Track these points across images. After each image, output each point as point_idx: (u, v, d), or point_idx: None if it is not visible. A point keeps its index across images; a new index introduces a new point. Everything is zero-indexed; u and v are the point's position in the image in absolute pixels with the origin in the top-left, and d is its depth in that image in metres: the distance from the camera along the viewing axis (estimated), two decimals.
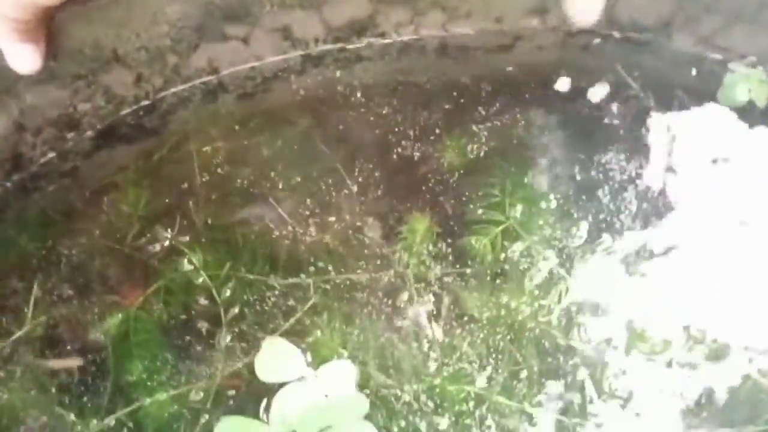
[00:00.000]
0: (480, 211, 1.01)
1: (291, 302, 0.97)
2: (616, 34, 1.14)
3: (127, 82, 1.08)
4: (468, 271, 0.97)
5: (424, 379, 0.92)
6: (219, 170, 1.09)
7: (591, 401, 0.88)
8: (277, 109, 1.15)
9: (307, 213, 1.04)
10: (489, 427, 0.88)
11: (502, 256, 0.98)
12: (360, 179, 1.06)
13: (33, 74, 0.97)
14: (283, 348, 0.90)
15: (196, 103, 1.15)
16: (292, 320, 0.94)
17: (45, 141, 1.07)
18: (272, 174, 1.07)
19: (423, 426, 0.88)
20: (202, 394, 0.89)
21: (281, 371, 0.89)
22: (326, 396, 0.87)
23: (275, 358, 0.89)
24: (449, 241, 1.01)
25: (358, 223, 1.02)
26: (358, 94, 1.14)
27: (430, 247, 1.01)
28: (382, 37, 1.16)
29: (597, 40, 1.15)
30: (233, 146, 1.11)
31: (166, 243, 1.01)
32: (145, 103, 1.10)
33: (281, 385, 0.87)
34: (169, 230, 1.01)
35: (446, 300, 0.96)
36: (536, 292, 0.95)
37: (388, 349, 0.94)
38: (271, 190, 1.06)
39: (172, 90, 1.11)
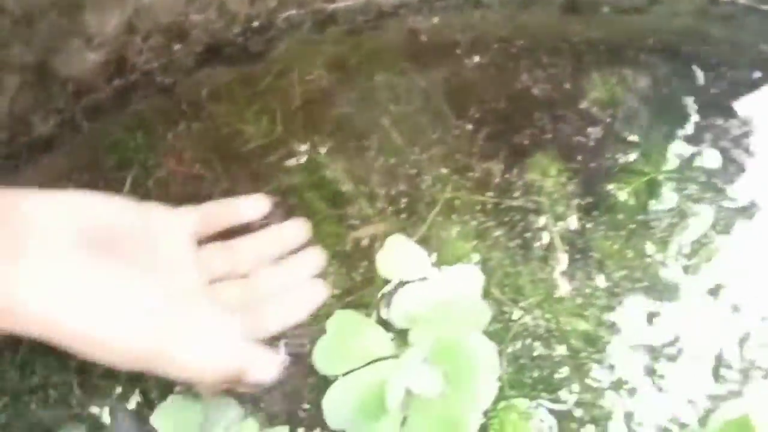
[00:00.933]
0: (623, 160, 0.94)
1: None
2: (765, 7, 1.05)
3: None
4: (605, 218, 0.90)
5: (548, 306, 0.87)
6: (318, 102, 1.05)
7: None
8: (381, 49, 1.10)
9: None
10: (611, 366, 0.82)
11: (647, 207, 0.92)
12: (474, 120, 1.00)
13: None
14: (406, 246, 0.88)
15: (304, 33, 1.11)
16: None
17: (152, 48, 1.05)
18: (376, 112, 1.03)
19: (537, 350, 0.83)
20: None
21: (404, 269, 0.86)
22: (449, 298, 0.83)
23: (398, 255, 0.87)
24: (588, 188, 0.96)
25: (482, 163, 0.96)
26: (470, 43, 1.08)
27: (566, 189, 0.93)
28: None
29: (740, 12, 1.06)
30: (334, 80, 1.07)
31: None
32: (256, 24, 1.07)
33: (403, 283, 0.85)
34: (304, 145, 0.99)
35: (579, 243, 0.90)
36: (682, 249, 0.88)
37: (516, 268, 0.89)
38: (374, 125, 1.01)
39: (285, 14, 1.08)
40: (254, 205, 0.84)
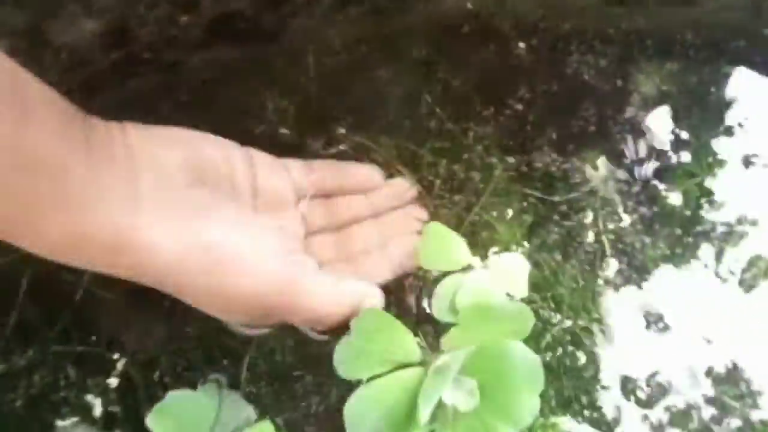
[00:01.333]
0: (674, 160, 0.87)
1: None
2: None
3: None
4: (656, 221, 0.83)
5: (588, 311, 0.79)
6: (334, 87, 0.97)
7: None
8: (408, 32, 1.02)
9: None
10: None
11: (699, 212, 0.84)
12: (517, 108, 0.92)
13: None
14: (446, 235, 0.83)
15: (323, 10, 1.02)
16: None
17: (157, 19, 0.95)
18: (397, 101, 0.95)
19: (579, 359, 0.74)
20: None
21: (445, 259, 0.82)
22: (494, 290, 0.81)
23: (438, 245, 0.83)
24: (638, 186, 0.92)
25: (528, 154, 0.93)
26: (502, 28, 1.00)
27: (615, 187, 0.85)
28: None
29: None
30: (351, 63, 0.98)
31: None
32: None
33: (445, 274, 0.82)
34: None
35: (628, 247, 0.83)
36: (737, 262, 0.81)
37: (558, 268, 0.81)
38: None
39: None
40: (367, 175, 0.81)
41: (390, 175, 0.90)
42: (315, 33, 1.03)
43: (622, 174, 0.89)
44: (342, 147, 0.94)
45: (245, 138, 0.92)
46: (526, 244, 0.86)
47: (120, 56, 0.96)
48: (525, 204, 0.88)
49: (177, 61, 1.00)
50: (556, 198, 0.88)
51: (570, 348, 0.79)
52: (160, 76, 1.00)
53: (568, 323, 0.79)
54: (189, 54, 1.00)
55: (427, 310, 0.82)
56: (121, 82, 0.97)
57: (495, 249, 0.86)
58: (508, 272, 0.83)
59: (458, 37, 1.00)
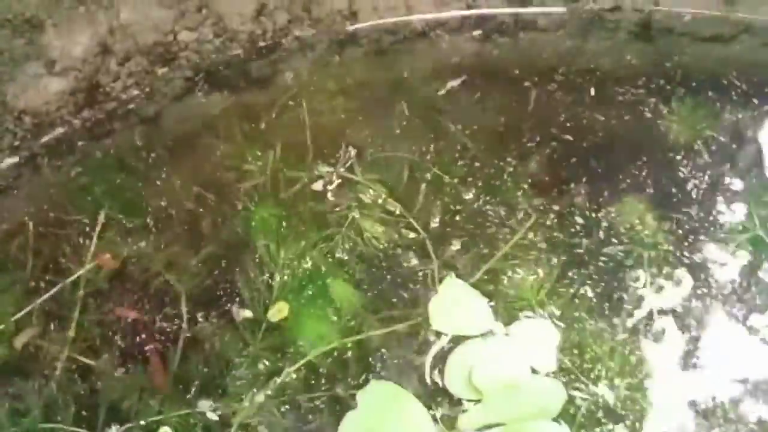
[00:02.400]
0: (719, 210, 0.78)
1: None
2: None
3: (245, 13, 0.86)
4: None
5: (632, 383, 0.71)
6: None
7: None
8: (412, 72, 0.91)
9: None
10: None
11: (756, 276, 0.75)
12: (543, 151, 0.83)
13: None
14: (464, 293, 0.73)
15: (317, 54, 0.92)
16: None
17: (131, 73, 0.86)
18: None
19: None
20: None
21: (462, 322, 0.72)
22: (520, 362, 0.70)
23: (455, 304, 0.73)
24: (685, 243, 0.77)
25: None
26: (517, 69, 0.89)
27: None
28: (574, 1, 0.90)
29: None
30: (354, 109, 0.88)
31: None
32: (261, 44, 0.88)
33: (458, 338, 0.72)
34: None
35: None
36: None
37: (597, 331, 0.72)
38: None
39: (296, 33, 0.88)
40: None
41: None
42: (309, 77, 0.92)
43: (667, 224, 0.79)
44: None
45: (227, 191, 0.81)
46: (551, 306, 0.76)
47: (92, 114, 0.86)
48: (556, 255, 0.77)
49: (156, 113, 0.89)
50: (593, 249, 0.77)
51: (609, 426, 0.70)
52: (138, 132, 0.89)
53: (606, 395, 0.70)
54: (169, 104, 0.90)
55: (437, 380, 0.73)
56: (94, 140, 0.87)
57: (518, 306, 0.76)
58: (534, 341, 0.72)
59: (472, 80, 0.90)
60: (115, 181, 0.87)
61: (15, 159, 0.84)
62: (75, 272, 0.83)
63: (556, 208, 0.79)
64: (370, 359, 0.76)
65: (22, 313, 0.81)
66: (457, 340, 0.73)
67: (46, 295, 0.82)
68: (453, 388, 0.69)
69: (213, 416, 0.75)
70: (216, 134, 0.89)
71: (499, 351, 0.70)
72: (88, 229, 0.84)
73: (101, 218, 0.84)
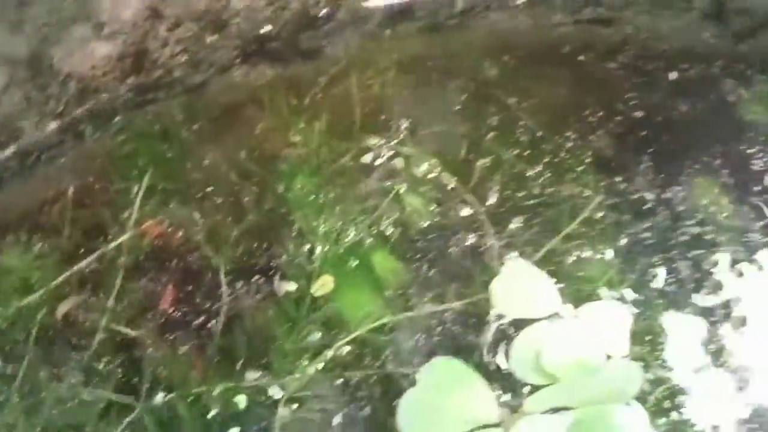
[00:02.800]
0: None
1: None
2: None
3: None
4: None
5: None
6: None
7: None
8: (468, 48, 0.88)
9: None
10: None
11: None
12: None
13: None
14: (529, 273, 0.70)
15: (371, 27, 0.89)
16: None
17: (180, 40, 0.83)
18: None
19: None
20: None
21: (527, 304, 0.69)
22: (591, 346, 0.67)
23: (519, 286, 0.70)
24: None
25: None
26: (582, 46, 0.85)
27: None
28: None
29: None
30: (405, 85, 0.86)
31: None
32: (315, 13, 0.85)
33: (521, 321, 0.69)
34: None
35: None
36: None
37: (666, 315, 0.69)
38: None
39: (350, 4, 0.85)
40: None
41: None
42: (360, 51, 0.89)
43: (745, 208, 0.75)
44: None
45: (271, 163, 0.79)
46: (620, 288, 0.73)
47: (138, 81, 0.83)
48: (624, 235, 0.74)
49: (203, 82, 0.87)
50: (663, 230, 0.74)
51: (683, 411, 0.67)
52: (183, 101, 0.87)
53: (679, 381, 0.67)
54: (216, 75, 0.87)
55: (498, 363, 0.70)
56: (138, 108, 0.85)
57: (585, 288, 0.73)
58: (605, 324, 0.70)
59: (531, 57, 0.86)
60: (158, 150, 0.85)
61: (58, 125, 0.82)
62: (116, 240, 0.81)
63: (622, 186, 0.76)
64: (422, 337, 0.73)
65: (61, 279, 0.80)
66: (518, 323, 0.71)
67: (85, 262, 0.81)
68: (519, 372, 0.68)
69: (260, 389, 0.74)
70: (261, 106, 0.87)
71: (568, 334, 0.68)
72: (130, 197, 0.82)
73: (143, 187, 0.82)
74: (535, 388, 0.67)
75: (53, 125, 0.81)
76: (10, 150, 0.79)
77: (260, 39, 0.86)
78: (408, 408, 0.65)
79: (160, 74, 0.84)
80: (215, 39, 0.84)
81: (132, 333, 0.78)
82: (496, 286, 0.71)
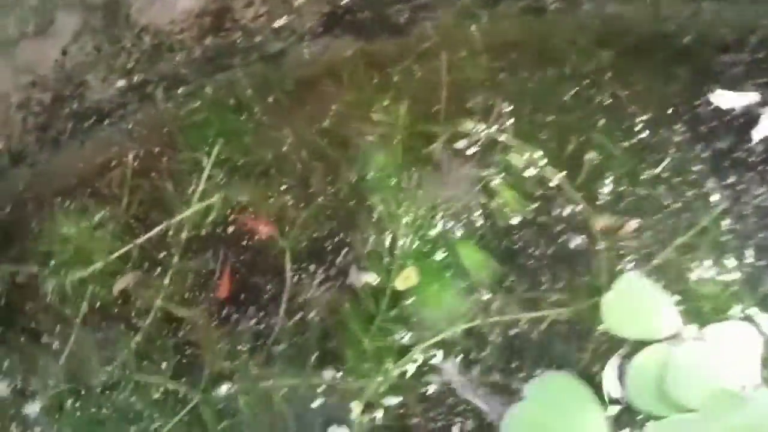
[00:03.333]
0: None
1: None
2: None
3: None
4: None
5: None
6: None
7: None
8: (573, 34, 0.81)
9: None
10: None
11: None
12: None
13: None
14: (645, 289, 0.62)
15: (467, 4, 0.82)
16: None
17: (266, 0, 0.76)
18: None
19: None
20: None
21: (643, 324, 0.61)
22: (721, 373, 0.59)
23: (633, 303, 0.62)
24: None
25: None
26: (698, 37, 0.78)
27: None
28: None
29: None
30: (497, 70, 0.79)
31: None
32: None
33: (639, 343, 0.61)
34: None
35: None
36: None
37: None
38: None
39: None
40: None
41: None
42: (453, 30, 0.82)
43: None
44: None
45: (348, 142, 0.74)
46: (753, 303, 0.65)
47: (216, 42, 0.76)
48: (751, 247, 0.66)
49: (282, 50, 0.80)
50: None
51: None
52: (259, 68, 0.80)
53: None
54: (296, 43, 0.80)
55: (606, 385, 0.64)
56: (212, 72, 0.78)
57: (708, 312, 0.65)
58: (733, 348, 0.61)
59: (641, 47, 0.79)
60: (230, 121, 0.78)
61: (125, 83, 0.75)
62: (179, 214, 0.75)
63: (752, 192, 0.68)
64: (516, 345, 0.67)
65: (120, 252, 0.74)
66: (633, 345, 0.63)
67: (144, 238, 0.74)
68: (638, 400, 0.60)
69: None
70: (341, 81, 0.80)
71: (696, 358, 0.59)
72: (196, 169, 0.76)
73: (211, 158, 0.75)
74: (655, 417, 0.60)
75: (121, 83, 0.74)
76: (73, 106, 0.72)
77: (347, 9, 0.79)
78: (514, 424, 0.59)
79: (238, 37, 0.77)
80: (302, 2, 0.77)
81: (186, 315, 0.72)
82: (608, 303, 0.63)
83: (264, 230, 0.74)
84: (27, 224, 0.77)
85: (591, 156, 0.75)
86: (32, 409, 0.68)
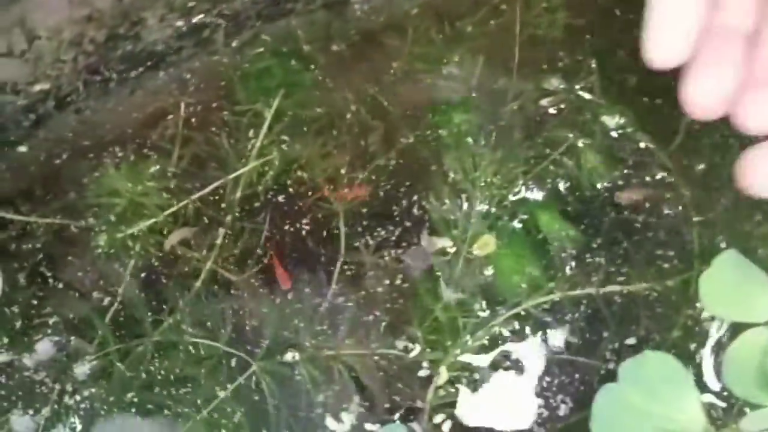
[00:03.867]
0: None
1: None
2: None
3: None
4: None
5: None
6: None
7: None
8: None
9: None
10: None
11: None
12: None
13: None
14: (746, 270, 0.58)
15: None
16: None
17: None
18: None
19: None
20: None
21: (744, 305, 0.58)
22: None
23: (733, 283, 0.58)
24: None
25: None
26: None
27: None
28: None
29: None
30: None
31: None
32: None
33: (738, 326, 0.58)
34: None
35: None
36: None
37: None
38: None
39: None
40: None
41: None
42: None
43: None
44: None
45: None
46: None
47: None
48: None
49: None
50: None
51: None
52: (320, 16, 0.75)
53: None
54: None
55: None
56: (272, 18, 0.73)
57: None
58: None
59: None
60: (292, 72, 0.73)
61: (184, 24, 0.70)
62: (235, 170, 0.70)
63: None
64: (598, 321, 0.62)
65: (173, 210, 0.69)
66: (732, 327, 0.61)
67: (198, 195, 0.70)
68: (738, 389, 0.57)
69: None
70: (408, 34, 0.74)
71: None
72: (254, 123, 0.71)
73: (271, 111, 0.70)
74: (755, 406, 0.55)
75: (179, 23, 0.69)
76: (126, 47, 0.67)
77: None
78: (604, 405, 0.55)
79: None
80: None
81: (234, 278, 0.68)
82: (704, 281, 0.58)
83: (355, 193, 0.69)
84: (73, 175, 0.73)
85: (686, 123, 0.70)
86: (81, 370, 0.65)
